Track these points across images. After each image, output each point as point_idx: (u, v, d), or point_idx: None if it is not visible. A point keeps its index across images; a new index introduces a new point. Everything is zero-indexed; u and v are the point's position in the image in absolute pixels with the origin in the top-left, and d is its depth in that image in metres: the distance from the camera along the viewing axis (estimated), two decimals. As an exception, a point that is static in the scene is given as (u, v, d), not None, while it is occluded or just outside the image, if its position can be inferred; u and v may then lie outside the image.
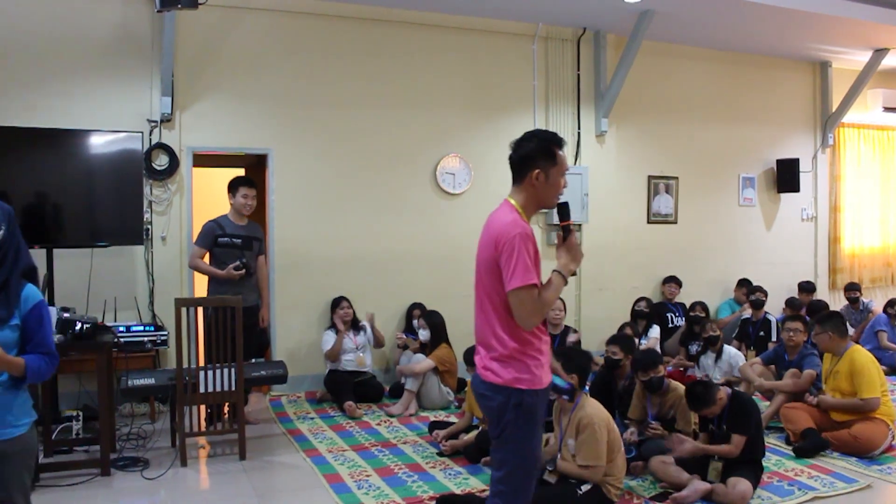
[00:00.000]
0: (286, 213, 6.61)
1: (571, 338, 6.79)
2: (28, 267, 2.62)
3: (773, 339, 7.05)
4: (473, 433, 4.90)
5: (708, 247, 8.61)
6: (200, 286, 6.50)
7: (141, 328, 5.67)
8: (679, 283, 8.15)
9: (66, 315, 4.56)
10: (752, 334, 7.26)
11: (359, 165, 6.88)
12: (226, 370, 4.78)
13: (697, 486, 4.08)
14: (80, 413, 5.00)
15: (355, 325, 6.47)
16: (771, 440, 5.04)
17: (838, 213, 9.55)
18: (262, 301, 5.87)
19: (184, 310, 4.72)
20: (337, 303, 6.49)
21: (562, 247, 2.81)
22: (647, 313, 7.40)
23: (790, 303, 7.84)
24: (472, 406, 5.05)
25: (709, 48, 8.47)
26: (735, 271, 8.61)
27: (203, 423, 5.39)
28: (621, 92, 7.64)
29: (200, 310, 4.95)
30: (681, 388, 4.74)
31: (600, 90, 7.76)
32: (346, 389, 6.10)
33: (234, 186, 5.65)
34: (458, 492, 4.26)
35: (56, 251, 5.42)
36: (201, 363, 4.82)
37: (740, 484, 4.04)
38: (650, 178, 8.27)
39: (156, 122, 6.14)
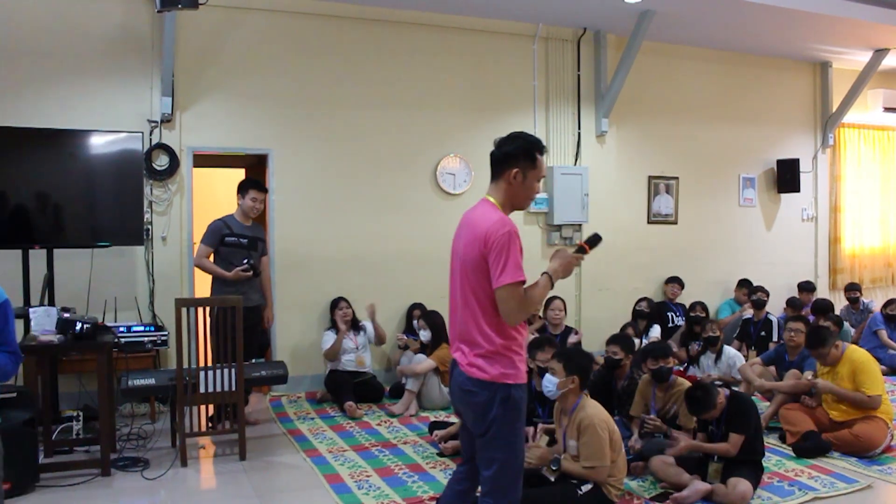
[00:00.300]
0: (286, 213, 6.61)
1: (573, 338, 6.80)
2: None
3: (775, 339, 7.05)
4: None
5: (708, 247, 8.61)
6: (201, 286, 6.50)
7: (141, 328, 5.66)
8: (682, 284, 8.15)
9: (66, 315, 4.57)
10: (753, 334, 7.26)
11: (359, 166, 6.88)
12: (226, 370, 4.78)
13: (698, 486, 4.08)
14: (81, 413, 4.99)
15: (355, 326, 6.47)
16: (770, 440, 5.04)
17: (839, 213, 9.55)
18: (267, 301, 5.88)
19: (184, 310, 4.73)
20: (336, 303, 6.49)
21: (559, 255, 2.90)
22: (648, 313, 7.40)
23: (791, 303, 7.83)
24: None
25: (709, 48, 8.46)
26: (735, 271, 8.61)
27: (205, 423, 5.37)
28: (622, 92, 7.64)
29: (201, 310, 4.94)
30: (685, 384, 4.79)
31: (600, 90, 7.76)
32: (346, 389, 6.10)
33: (244, 188, 5.65)
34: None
35: (56, 251, 5.43)
36: (208, 362, 4.83)
37: (740, 484, 4.04)
38: (650, 178, 8.27)
39: (156, 122, 6.14)
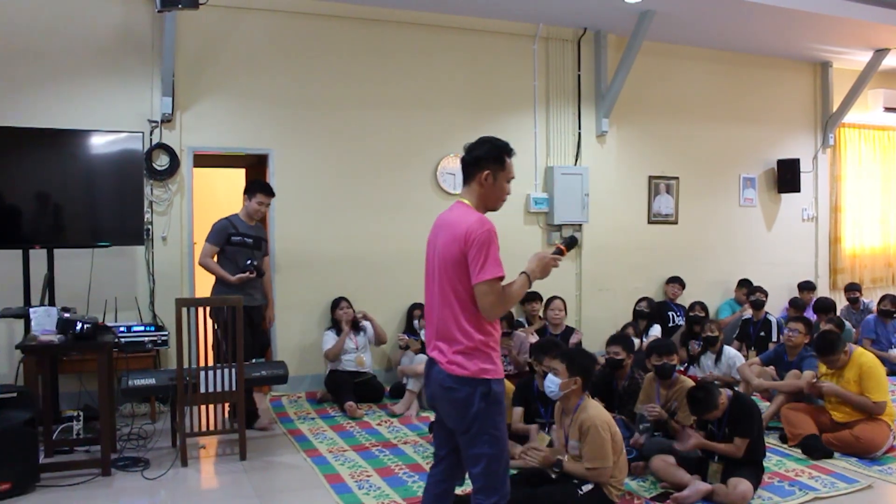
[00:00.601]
0: (287, 213, 6.61)
1: (574, 339, 6.79)
2: None
3: (774, 339, 7.05)
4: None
5: (708, 247, 8.61)
6: (201, 286, 6.50)
7: (142, 328, 5.67)
8: (682, 284, 8.15)
9: (66, 315, 4.57)
10: (752, 335, 7.26)
11: (359, 166, 6.88)
12: (227, 370, 4.78)
13: (698, 486, 4.07)
14: (81, 413, 5.00)
15: (355, 326, 6.47)
16: (770, 440, 5.03)
17: (839, 213, 9.55)
18: (269, 301, 5.88)
19: (184, 310, 4.73)
20: (336, 303, 6.49)
21: (538, 257, 2.98)
22: (649, 313, 7.40)
23: (794, 303, 7.81)
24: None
25: (709, 48, 8.46)
26: (736, 271, 8.61)
27: (209, 423, 5.35)
28: (622, 92, 7.64)
29: (201, 310, 4.95)
30: (687, 382, 4.82)
31: (601, 90, 7.76)
32: (346, 390, 6.10)
33: (252, 190, 5.63)
34: (458, 492, 4.25)
35: (57, 251, 5.42)
36: (209, 362, 4.82)
37: (741, 485, 4.04)
38: (651, 178, 8.27)
39: (156, 122, 6.14)
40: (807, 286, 8.62)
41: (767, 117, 8.96)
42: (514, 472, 4.42)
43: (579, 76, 7.74)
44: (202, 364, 4.82)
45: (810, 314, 7.66)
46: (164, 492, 4.34)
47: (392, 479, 4.49)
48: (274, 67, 6.56)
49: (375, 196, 6.93)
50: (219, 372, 4.77)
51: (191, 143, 6.30)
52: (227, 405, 5.38)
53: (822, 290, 9.13)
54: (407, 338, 6.63)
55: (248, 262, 5.47)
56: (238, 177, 7.75)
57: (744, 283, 8.31)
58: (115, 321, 5.73)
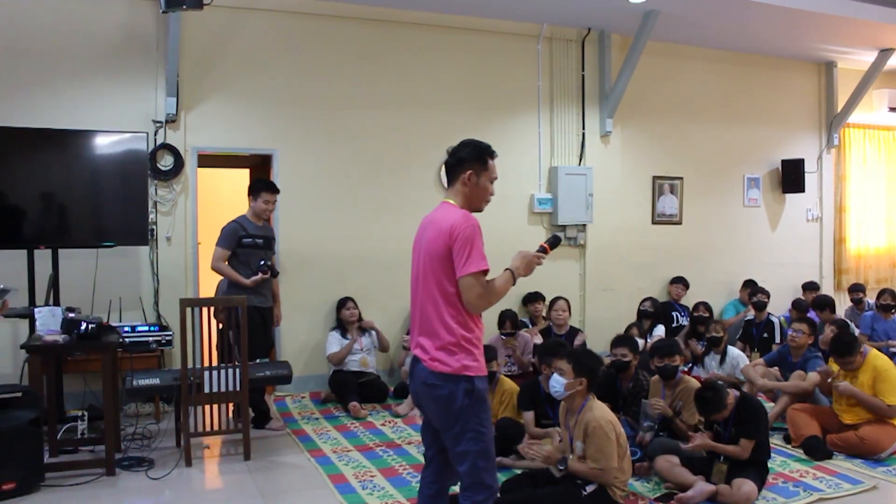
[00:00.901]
0: (291, 213, 6.61)
1: (578, 340, 6.79)
2: None
3: (777, 340, 7.04)
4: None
5: (713, 247, 8.59)
6: (205, 286, 6.52)
7: (146, 328, 5.68)
8: (686, 285, 8.14)
9: (71, 315, 4.58)
10: (755, 335, 7.24)
11: (363, 166, 6.88)
12: (231, 370, 4.79)
13: (703, 486, 4.07)
14: (86, 413, 5.01)
15: (360, 327, 6.48)
16: (775, 441, 5.03)
17: (843, 213, 9.53)
18: (276, 300, 5.88)
19: (188, 310, 4.73)
20: (343, 303, 6.50)
21: (521, 255, 3.02)
22: (653, 313, 7.39)
23: (796, 304, 7.78)
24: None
25: (714, 48, 8.45)
26: (740, 272, 8.59)
27: (215, 423, 5.37)
28: (626, 92, 7.63)
29: (205, 310, 4.95)
30: (692, 382, 4.84)
31: (605, 90, 7.75)
32: (350, 390, 6.10)
33: (256, 190, 5.61)
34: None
35: (61, 251, 5.43)
36: (213, 362, 4.83)
37: (745, 485, 4.04)
38: (655, 178, 8.25)
39: (161, 122, 6.15)
40: (811, 287, 8.60)
41: (772, 117, 8.95)
42: (519, 471, 4.44)
43: (583, 76, 7.74)
44: (206, 364, 4.83)
45: (814, 315, 7.63)
46: (169, 491, 4.35)
47: (396, 480, 4.49)
48: (278, 68, 6.57)
49: (379, 196, 6.93)
50: (223, 372, 4.77)
51: (195, 143, 6.31)
52: (230, 405, 5.38)
53: (827, 291, 9.09)
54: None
55: (262, 262, 5.47)
56: (242, 177, 7.76)
57: (748, 284, 8.28)
58: (120, 321, 5.74)
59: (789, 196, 9.04)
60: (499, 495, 4.09)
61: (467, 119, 7.22)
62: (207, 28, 6.28)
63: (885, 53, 8.50)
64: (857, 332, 7.66)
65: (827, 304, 7.44)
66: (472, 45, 7.28)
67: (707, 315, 7.35)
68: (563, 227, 7.61)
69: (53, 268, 5.36)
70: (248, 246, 5.52)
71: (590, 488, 3.83)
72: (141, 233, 5.72)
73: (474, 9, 6.98)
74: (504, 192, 7.13)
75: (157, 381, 4.87)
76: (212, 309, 5.39)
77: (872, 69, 8.71)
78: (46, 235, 5.41)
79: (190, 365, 4.74)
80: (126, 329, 5.47)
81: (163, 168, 6.16)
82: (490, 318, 6.38)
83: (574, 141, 7.72)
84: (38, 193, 5.40)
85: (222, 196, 7.96)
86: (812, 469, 4.64)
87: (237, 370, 4.80)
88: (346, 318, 6.43)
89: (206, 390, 4.75)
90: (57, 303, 5.26)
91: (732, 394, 4.35)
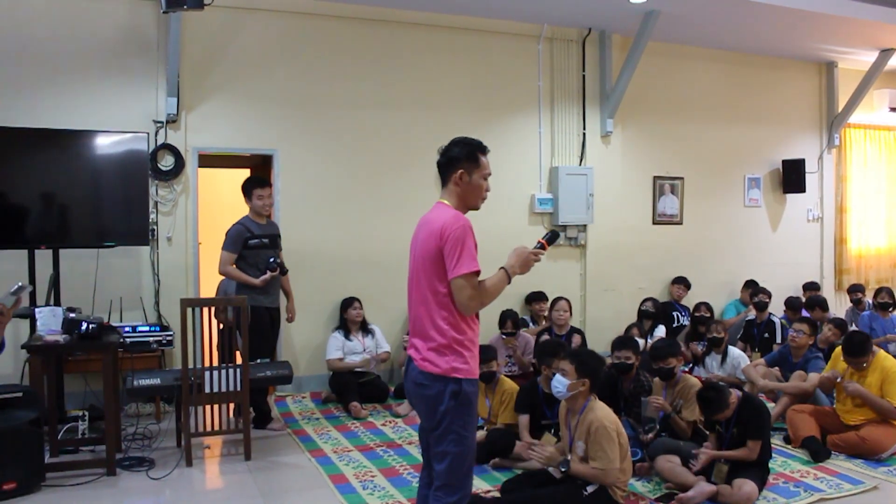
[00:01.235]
0: (292, 213, 6.61)
1: (575, 339, 6.78)
2: None
3: (778, 340, 7.03)
4: (481, 434, 4.89)
5: (713, 248, 8.59)
6: (206, 287, 6.52)
7: (147, 328, 5.68)
8: (688, 285, 8.14)
9: (72, 315, 4.58)
10: (756, 336, 7.24)
11: (365, 166, 6.88)
12: (231, 370, 4.79)
13: (703, 487, 4.07)
14: (86, 413, 5.02)
15: (364, 327, 6.48)
16: (775, 441, 5.02)
17: (844, 213, 9.53)
18: (289, 296, 5.89)
19: (189, 310, 4.73)
20: (349, 303, 6.49)
21: (518, 252, 2.97)
22: (653, 313, 7.39)
23: (789, 304, 7.76)
24: (478, 407, 5.03)
25: (714, 48, 8.45)
26: (741, 272, 8.59)
27: (215, 423, 5.37)
28: (626, 92, 7.63)
29: (206, 310, 4.95)
30: (691, 380, 4.84)
31: (605, 90, 7.75)
32: (350, 390, 6.10)
33: (247, 190, 5.61)
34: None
35: (62, 251, 5.44)
36: (214, 362, 4.83)
37: (746, 485, 4.03)
38: (655, 178, 8.25)
39: (162, 122, 6.15)
40: (811, 287, 8.60)
41: (772, 117, 8.94)
42: (519, 472, 4.44)
43: (584, 76, 7.74)
44: (207, 364, 4.83)
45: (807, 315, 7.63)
46: (169, 491, 4.35)
47: (396, 480, 4.49)
48: (279, 68, 6.57)
49: (381, 196, 6.93)
50: (224, 372, 4.77)
51: (196, 143, 6.31)
52: (231, 405, 5.39)
53: (828, 291, 9.11)
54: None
55: (272, 259, 5.47)
56: (243, 177, 7.73)
57: (750, 284, 8.28)
58: (121, 321, 5.75)
59: (790, 196, 9.04)
60: (499, 495, 4.12)
61: (468, 119, 7.21)
62: (208, 28, 6.28)
63: (885, 53, 8.49)
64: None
65: (817, 304, 7.44)
66: (472, 46, 7.28)
67: (708, 315, 7.35)
68: (564, 227, 7.61)
69: (54, 268, 5.36)
70: (255, 247, 5.51)
71: (590, 488, 3.82)
72: (142, 233, 5.72)
73: (475, 9, 6.98)
74: (505, 192, 7.17)
75: (157, 381, 4.87)
76: (212, 309, 5.38)
77: (873, 69, 8.71)
78: (47, 235, 5.41)
79: (191, 365, 4.74)
80: (127, 329, 5.48)
81: (163, 168, 6.16)
82: (491, 317, 6.41)
83: (575, 141, 7.72)
84: (39, 193, 5.41)
85: (223, 196, 7.96)
86: (813, 469, 4.64)
87: (238, 370, 4.80)
88: (351, 318, 6.43)
89: (207, 390, 4.75)
90: (58, 303, 5.26)
91: (735, 394, 4.34)
